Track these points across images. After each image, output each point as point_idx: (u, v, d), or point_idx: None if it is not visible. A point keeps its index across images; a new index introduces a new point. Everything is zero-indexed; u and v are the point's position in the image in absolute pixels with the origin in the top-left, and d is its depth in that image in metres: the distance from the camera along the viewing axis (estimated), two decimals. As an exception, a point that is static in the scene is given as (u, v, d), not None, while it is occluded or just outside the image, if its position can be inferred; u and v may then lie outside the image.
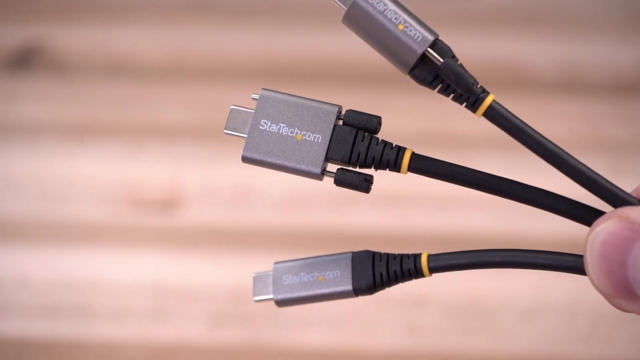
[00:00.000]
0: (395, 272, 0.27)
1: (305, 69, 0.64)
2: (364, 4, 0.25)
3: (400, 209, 0.57)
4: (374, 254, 0.28)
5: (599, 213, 0.25)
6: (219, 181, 0.59)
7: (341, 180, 0.26)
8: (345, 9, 0.26)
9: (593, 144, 0.60)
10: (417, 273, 0.27)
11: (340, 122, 0.27)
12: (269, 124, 0.27)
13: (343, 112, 0.27)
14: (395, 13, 0.25)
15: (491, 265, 0.26)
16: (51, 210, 0.59)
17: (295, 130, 0.27)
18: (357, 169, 0.26)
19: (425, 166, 0.26)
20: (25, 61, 0.65)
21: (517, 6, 0.67)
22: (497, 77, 0.64)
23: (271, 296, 0.28)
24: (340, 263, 0.28)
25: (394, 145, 0.26)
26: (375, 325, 0.54)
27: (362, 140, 0.26)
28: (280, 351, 0.54)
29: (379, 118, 0.27)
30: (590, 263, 0.23)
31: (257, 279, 0.28)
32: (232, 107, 0.28)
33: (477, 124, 0.64)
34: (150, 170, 0.60)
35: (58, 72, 0.65)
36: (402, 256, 0.27)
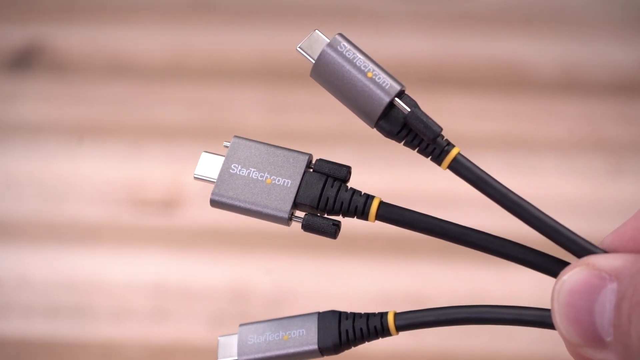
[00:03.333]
0: (361, 329, 0.27)
1: (305, 69, 0.64)
2: (334, 53, 0.25)
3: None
4: (340, 313, 0.27)
5: (565, 264, 0.25)
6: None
7: (309, 224, 0.26)
8: (314, 60, 0.26)
9: (593, 144, 0.60)
10: (383, 331, 0.27)
11: (311, 170, 0.27)
12: (239, 167, 0.27)
13: (314, 161, 0.27)
14: (364, 62, 0.26)
15: (457, 323, 0.26)
16: (51, 210, 0.59)
17: (265, 175, 0.27)
18: (325, 216, 0.27)
19: (393, 215, 0.26)
20: (25, 61, 0.65)
21: (517, 6, 0.67)
22: (497, 77, 0.64)
23: (236, 357, 0.27)
24: (306, 322, 0.27)
25: (362, 193, 0.26)
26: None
27: (332, 187, 0.26)
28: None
29: (349, 168, 0.27)
30: (557, 312, 0.23)
31: (222, 341, 0.28)
32: (204, 152, 0.28)
33: (476, 124, 0.64)
34: (151, 170, 0.60)
35: (58, 72, 0.65)
36: (368, 315, 0.27)
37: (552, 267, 0.25)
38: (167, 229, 0.58)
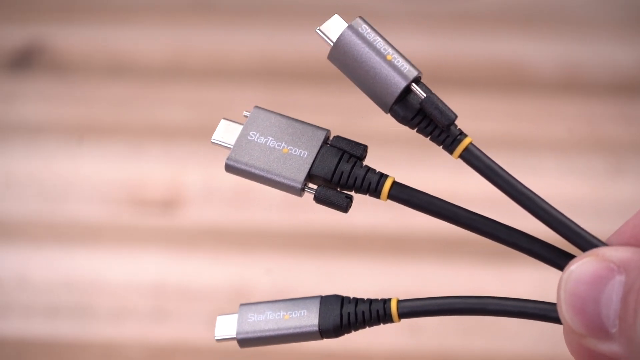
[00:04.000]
0: (363, 312, 0.27)
1: (305, 69, 0.64)
2: (354, 34, 0.26)
3: (400, 209, 0.57)
4: (343, 297, 0.27)
5: (572, 257, 0.25)
6: (219, 181, 0.59)
7: (321, 196, 0.26)
8: (332, 42, 0.26)
9: (593, 144, 0.60)
10: (385, 317, 0.26)
11: (328, 145, 0.27)
12: (257, 135, 0.27)
13: (331, 137, 0.27)
14: (384, 45, 0.26)
15: (460, 313, 0.26)
16: (51, 210, 0.59)
17: (283, 144, 0.27)
18: (338, 190, 0.26)
19: (404, 195, 0.26)
20: (25, 61, 0.65)
21: (517, 6, 0.67)
22: (497, 77, 0.64)
23: (234, 334, 0.27)
24: (309, 304, 0.27)
25: (377, 171, 0.26)
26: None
27: (347, 162, 0.26)
28: (280, 351, 0.54)
29: (365, 146, 0.27)
30: (563, 301, 0.23)
31: (222, 319, 0.28)
32: (223, 119, 0.28)
33: (477, 124, 0.64)
34: (151, 170, 0.60)
35: (58, 72, 0.65)
36: (371, 300, 0.27)
37: (558, 259, 0.25)
38: (167, 229, 0.58)
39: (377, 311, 0.26)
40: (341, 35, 0.26)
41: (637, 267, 0.22)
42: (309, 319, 0.27)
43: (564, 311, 0.23)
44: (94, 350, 0.54)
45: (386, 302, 0.26)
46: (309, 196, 0.27)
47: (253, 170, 0.27)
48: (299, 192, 0.27)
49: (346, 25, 0.26)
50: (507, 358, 0.53)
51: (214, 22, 0.67)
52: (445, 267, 0.55)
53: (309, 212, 0.57)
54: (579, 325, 0.23)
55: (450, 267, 0.55)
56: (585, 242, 0.25)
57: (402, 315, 0.26)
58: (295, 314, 0.27)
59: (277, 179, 0.26)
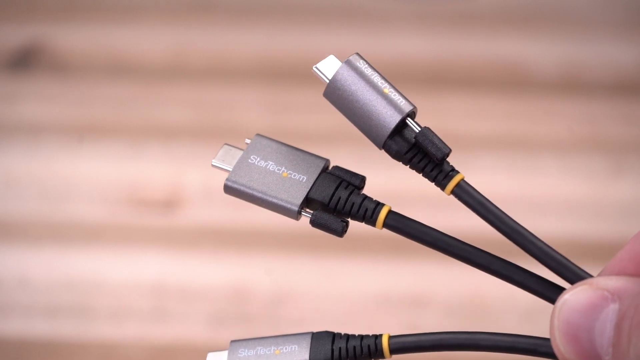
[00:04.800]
0: (354, 347, 0.27)
1: (306, 69, 0.64)
2: (351, 69, 0.26)
3: (400, 209, 0.57)
4: (334, 334, 0.27)
5: (562, 290, 0.25)
6: (219, 181, 0.59)
7: (317, 220, 0.27)
8: (328, 79, 0.26)
9: (593, 144, 0.60)
10: (376, 353, 0.26)
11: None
12: (257, 159, 0.28)
13: (330, 167, 0.27)
14: (381, 80, 0.26)
15: (453, 348, 0.26)
16: (51, 210, 0.59)
17: (282, 169, 0.27)
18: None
19: (400, 224, 0.27)
20: (25, 61, 0.65)
21: (517, 6, 0.67)
22: (497, 77, 0.64)
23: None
24: (300, 340, 0.27)
25: (373, 199, 0.27)
26: (376, 326, 0.54)
27: (345, 189, 0.27)
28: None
29: (364, 177, 0.27)
30: (556, 329, 0.23)
31: (212, 356, 0.28)
32: (225, 144, 0.28)
33: (477, 124, 0.64)
34: (150, 170, 0.60)
35: (58, 72, 0.65)
36: (362, 336, 0.27)
37: (552, 293, 0.26)
38: (167, 229, 0.58)
39: (369, 346, 0.26)
40: (338, 70, 0.26)
41: (631, 295, 0.22)
42: (300, 354, 0.27)
43: (557, 339, 0.23)
44: (94, 350, 0.54)
45: (377, 337, 0.27)
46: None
47: (251, 191, 0.27)
48: (296, 215, 0.27)
49: (342, 63, 0.26)
50: (507, 358, 0.53)
51: (214, 22, 0.67)
52: (445, 267, 0.55)
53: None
54: (572, 353, 0.23)
55: (450, 267, 0.55)
56: (576, 276, 0.25)
57: (393, 351, 0.26)
58: (286, 349, 0.27)
59: (275, 201, 0.27)
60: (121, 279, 0.56)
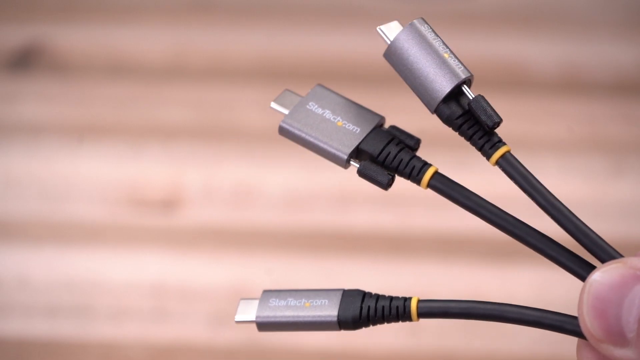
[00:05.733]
0: (383, 307, 0.27)
1: (305, 69, 0.64)
2: (415, 31, 0.27)
3: (400, 209, 0.57)
4: (365, 293, 0.28)
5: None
6: (219, 181, 0.59)
7: (365, 170, 0.27)
8: (390, 40, 0.27)
9: (594, 144, 0.60)
10: (404, 315, 0.27)
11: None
12: (315, 106, 0.28)
13: (387, 126, 0.28)
14: (442, 45, 0.27)
15: (479, 318, 0.26)
16: (51, 210, 0.59)
17: (338, 118, 0.27)
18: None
19: (443, 186, 0.27)
20: (25, 61, 0.65)
21: (517, 6, 0.67)
22: (497, 77, 0.64)
23: (253, 318, 0.28)
24: (331, 295, 0.28)
25: (422, 159, 0.27)
26: (376, 326, 0.54)
27: (396, 145, 0.27)
28: (280, 351, 0.54)
29: (419, 140, 0.28)
30: (585, 303, 0.23)
31: (244, 302, 0.28)
32: (286, 90, 0.28)
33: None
34: (150, 170, 0.60)
35: (58, 72, 0.65)
36: (392, 297, 0.27)
37: (582, 271, 0.26)
38: (167, 229, 0.58)
39: (397, 308, 0.27)
40: (401, 32, 0.27)
41: None
42: (329, 309, 0.28)
43: (584, 313, 0.23)
44: (94, 350, 0.54)
45: (407, 300, 0.27)
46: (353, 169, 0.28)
47: (304, 135, 0.27)
48: (344, 163, 0.27)
49: (405, 26, 0.27)
50: (507, 358, 0.53)
51: (214, 22, 0.67)
52: (445, 267, 0.55)
53: (309, 212, 0.57)
54: (598, 329, 0.23)
55: (450, 267, 0.55)
56: (610, 257, 0.25)
57: (422, 315, 0.27)
58: (316, 302, 0.28)
59: (326, 147, 0.27)
60: (121, 279, 0.56)
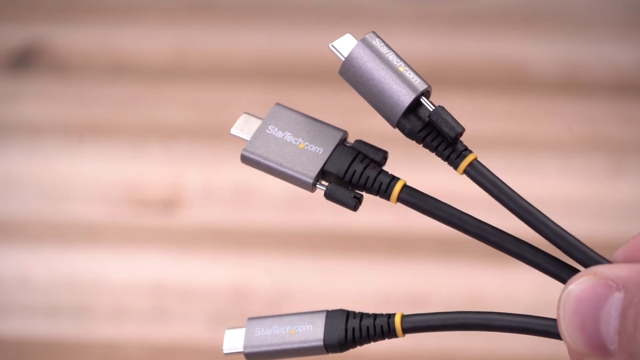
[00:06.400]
0: (367, 328, 0.27)
1: (305, 69, 0.64)
2: (367, 47, 0.26)
3: (400, 209, 0.57)
4: (348, 312, 0.27)
5: (574, 271, 0.25)
6: (219, 181, 0.59)
7: (331, 193, 0.27)
8: (344, 57, 0.26)
9: (593, 144, 0.60)
10: (389, 332, 0.27)
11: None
12: (275, 129, 0.27)
13: (353, 141, 0.27)
14: (396, 58, 0.26)
15: (464, 328, 0.26)
16: (51, 210, 0.59)
17: (300, 140, 0.27)
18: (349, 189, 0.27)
19: (414, 199, 0.26)
20: (25, 61, 0.65)
21: (517, 6, 0.67)
22: (497, 77, 0.64)
23: (241, 349, 0.27)
24: (314, 319, 0.27)
25: (389, 173, 0.27)
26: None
27: (361, 162, 0.27)
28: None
29: (386, 152, 0.27)
30: (563, 320, 0.23)
31: (229, 333, 0.28)
32: (244, 113, 0.28)
33: (477, 124, 0.64)
34: (150, 170, 0.60)
35: (58, 72, 0.65)
36: (376, 315, 0.27)
37: (562, 273, 0.26)
38: (167, 229, 0.58)
39: (382, 326, 0.27)
40: (354, 48, 0.26)
41: (636, 283, 0.22)
42: (315, 334, 0.27)
43: (563, 329, 0.23)
44: (94, 350, 0.54)
45: (390, 316, 0.27)
46: (318, 193, 0.27)
47: (267, 162, 0.27)
48: (311, 187, 0.27)
49: (357, 42, 0.26)
50: (507, 358, 0.53)
51: (214, 22, 0.67)
52: (445, 267, 0.55)
53: (309, 212, 0.57)
54: (579, 343, 0.23)
55: (450, 267, 0.55)
56: (588, 257, 0.25)
57: (406, 330, 0.27)
58: (301, 328, 0.27)
59: (290, 172, 0.27)
60: (121, 279, 0.56)
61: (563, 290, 0.24)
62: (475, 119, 0.61)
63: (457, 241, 0.55)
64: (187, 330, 0.54)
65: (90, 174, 0.60)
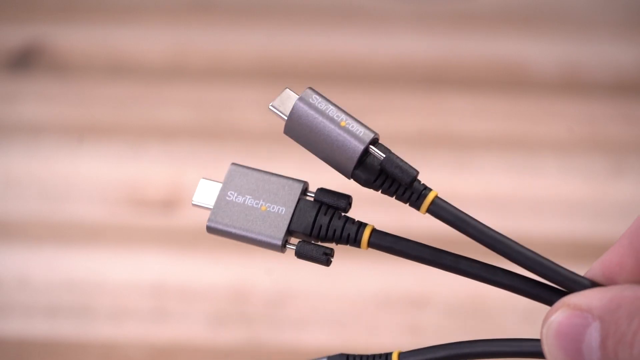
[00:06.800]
0: None
1: (305, 69, 0.64)
2: (306, 106, 0.26)
3: (400, 208, 0.57)
4: (347, 356, 0.28)
5: (555, 290, 0.25)
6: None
7: (301, 252, 0.27)
8: (286, 117, 0.26)
9: (593, 144, 0.60)
10: None
11: (311, 198, 0.27)
12: (235, 195, 0.27)
13: (313, 189, 0.27)
14: (337, 112, 0.26)
15: (460, 358, 0.27)
16: (51, 210, 0.59)
17: (261, 202, 0.27)
18: (318, 243, 0.27)
19: (384, 242, 0.27)
20: (25, 61, 0.65)
21: (517, 6, 0.67)
22: (497, 77, 0.64)
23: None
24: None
25: (355, 221, 0.27)
26: (376, 326, 0.54)
27: (325, 214, 0.27)
28: (280, 351, 0.54)
29: (349, 197, 0.27)
30: (549, 354, 0.24)
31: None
32: (202, 179, 0.28)
33: (477, 124, 0.64)
34: (150, 170, 0.60)
35: (58, 72, 0.65)
36: (374, 356, 0.27)
37: (544, 294, 0.26)
38: (167, 229, 0.58)
39: None
40: (293, 108, 0.26)
41: (609, 312, 0.23)
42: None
43: None
44: (94, 350, 0.54)
45: (388, 356, 0.27)
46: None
47: (234, 230, 0.27)
48: (280, 249, 0.27)
49: (297, 97, 0.26)
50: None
51: (214, 22, 0.67)
52: (446, 267, 0.55)
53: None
54: None
55: (450, 267, 0.55)
56: (565, 279, 0.25)
57: None
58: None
59: (258, 237, 0.27)
60: (121, 279, 0.56)
61: (543, 325, 0.24)
62: (475, 119, 0.61)
63: (457, 241, 0.55)
64: (187, 330, 0.54)
65: (90, 174, 0.60)
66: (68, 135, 0.62)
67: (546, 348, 0.24)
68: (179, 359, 0.54)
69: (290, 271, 0.56)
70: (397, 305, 0.54)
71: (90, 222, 0.58)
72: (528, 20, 0.67)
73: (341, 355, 0.28)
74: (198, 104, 0.63)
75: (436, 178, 0.55)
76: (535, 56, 0.65)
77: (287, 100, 0.26)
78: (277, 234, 0.27)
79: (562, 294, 0.25)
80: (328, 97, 0.27)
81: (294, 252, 0.27)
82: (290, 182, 0.27)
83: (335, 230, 0.27)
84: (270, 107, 0.26)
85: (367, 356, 0.27)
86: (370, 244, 0.27)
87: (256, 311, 0.54)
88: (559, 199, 0.58)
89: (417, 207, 0.26)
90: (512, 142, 0.60)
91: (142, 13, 0.68)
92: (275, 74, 0.64)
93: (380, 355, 0.27)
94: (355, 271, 0.56)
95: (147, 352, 0.54)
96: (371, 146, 0.26)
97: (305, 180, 0.27)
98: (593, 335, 0.23)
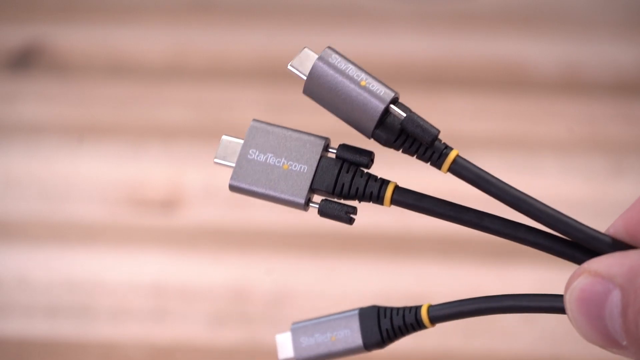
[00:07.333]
0: (399, 327, 0.28)
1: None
2: (325, 65, 0.26)
3: (400, 208, 0.57)
4: (378, 310, 0.28)
5: (578, 247, 0.26)
6: (219, 181, 0.59)
7: (324, 211, 0.27)
8: (305, 76, 0.26)
9: (593, 144, 0.60)
10: (419, 326, 0.28)
11: (332, 155, 0.27)
12: (256, 153, 0.27)
13: (335, 145, 0.27)
14: (357, 71, 0.26)
15: (488, 312, 0.27)
16: (51, 210, 0.59)
17: (282, 160, 0.27)
18: (341, 201, 0.27)
19: (408, 199, 0.26)
20: (25, 61, 0.65)
21: (517, 6, 0.67)
22: (497, 77, 0.64)
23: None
24: (350, 322, 0.28)
25: (378, 178, 0.27)
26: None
27: (347, 172, 0.27)
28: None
29: (371, 153, 0.27)
30: (573, 319, 0.24)
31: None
32: (223, 137, 0.28)
33: (477, 124, 0.64)
34: (150, 170, 0.60)
35: (58, 72, 0.65)
36: (404, 310, 0.28)
37: (565, 249, 0.26)
38: (167, 229, 0.58)
39: (412, 324, 0.28)
40: (312, 68, 0.26)
41: (629, 280, 0.23)
42: (354, 339, 0.28)
43: (577, 329, 0.24)
44: (94, 350, 0.54)
45: (417, 310, 0.28)
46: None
47: (256, 189, 0.27)
48: (304, 207, 0.27)
49: (317, 57, 0.26)
50: (507, 358, 0.53)
51: (214, 22, 0.67)
52: (445, 267, 0.55)
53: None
54: (593, 339, 0.24)
55: (450, 267, 0.55)
56: (587, 236, 0.25)
57: (433, 320, 0.27)
58: (339, 334, 0.28)
59: (281, 196, 0.27)
60: (121, 279, 0.56)
61: (565, 291, 0.24)
62: (475, 119, 0.61)
63: (457, 241, 0.56)
64: (187, 330, 0.54)
65: (90, 174, 0.60)
66: (68, 135, 0.62)
67: (569, 313, 0.24)
68: (179, 359, 0.54)
69: (290, 271, 0.56)
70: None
71: (90, 222, 0.58)
72: (528, 20, 0.67)
73: (373, 307, 0.28)
74: (198, 104, 0.63)
75: (436, 178, 0.56)
76: (535, 56, 0.65)
77: (307, 59, 0.26)
78: (300, 193, 0.27)
79: (585, 250, 0.25)
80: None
81: (317, 210, 0.27)
82: (312, 138, 0.27)
83: (358, 188, 0.27)
84: (289, 67, 0.27)
85: (398, 309, 0.28)
86: (393, 201, 0.27)
87: (256, 311, 0.54)
88: (559, 199, 0.58)
89: (439, 167, 0.26)
90: (512, 142, 0.60)
91: (142, 13, 0.68)
92: (275, 74, 0.64)
93: (410, 308, 0.28)
94: (355, 271, 0.56)
95: (147, 352, 0.54)
96: (392, 105, 0.26)
97: (326, 136, 0.27)
98: (614, 302, 0.23)
